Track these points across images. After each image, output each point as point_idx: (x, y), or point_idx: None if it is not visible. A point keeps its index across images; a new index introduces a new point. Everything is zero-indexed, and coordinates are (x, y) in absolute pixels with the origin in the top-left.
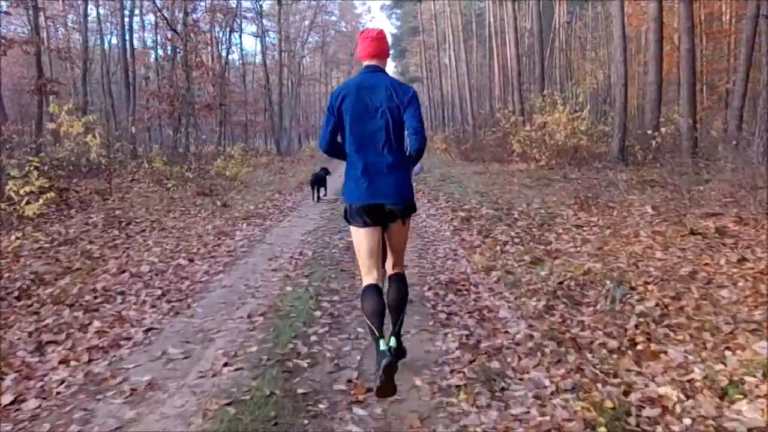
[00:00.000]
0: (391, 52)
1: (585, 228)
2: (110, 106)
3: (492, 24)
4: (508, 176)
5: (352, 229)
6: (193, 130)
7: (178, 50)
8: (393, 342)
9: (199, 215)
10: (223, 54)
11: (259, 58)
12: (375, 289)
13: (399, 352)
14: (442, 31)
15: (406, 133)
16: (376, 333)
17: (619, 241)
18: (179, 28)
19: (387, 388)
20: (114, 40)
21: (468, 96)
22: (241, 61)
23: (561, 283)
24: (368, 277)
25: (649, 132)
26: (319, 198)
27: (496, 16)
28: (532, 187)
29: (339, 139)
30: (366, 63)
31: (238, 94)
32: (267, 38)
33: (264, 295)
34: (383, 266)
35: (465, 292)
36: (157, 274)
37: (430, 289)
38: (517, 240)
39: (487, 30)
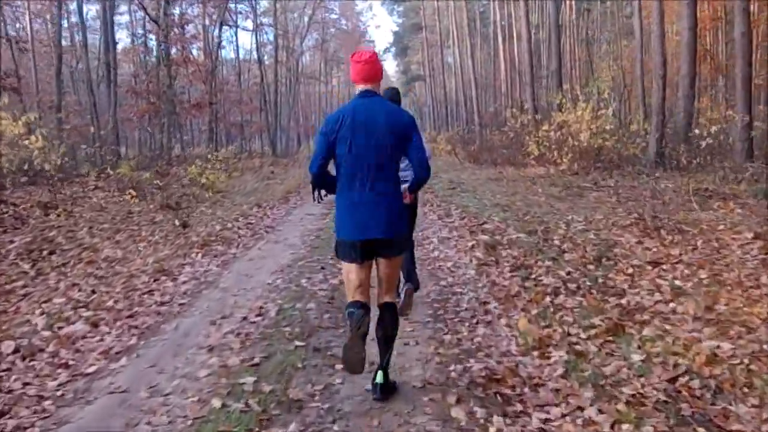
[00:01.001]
0: (393, 49)
1: (665, 266)
2: (92, 105)
3: (498, 21)
4: (528, 183)
5: (344, 264)
6: (175, 130)
7: (160, 44)
8: (380, 378)
9: (151, 238)
10: (215, 49)
11: (255, 55)
12: (360, 304)
13: (387, 387)
14: (445, 28)
15: (404, 163)
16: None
17: (733, 294)
18: (160, 19)
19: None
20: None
21: (474, 94)
22: (236, 59)
23: (673, 380)
24: (354, 296)
25: (697, 132)
26: (320, 198)
27: (503, 13)
28: (562, 198)
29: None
30: (360, 87)
31: (235, 93)
32: (263, 34)
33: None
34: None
35: (517, 403)
36: (25, 358)
37: (458, 401)
38: (571, 285)
39: (492, 28)
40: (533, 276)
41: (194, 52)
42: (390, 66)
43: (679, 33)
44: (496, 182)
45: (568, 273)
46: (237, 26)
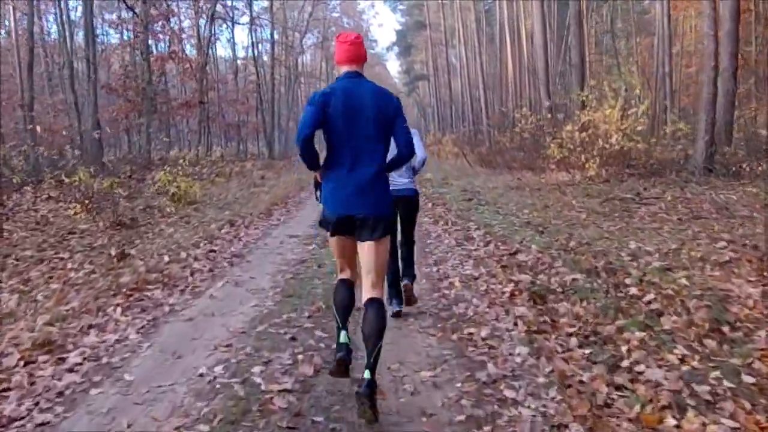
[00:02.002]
0: (396, 48)
1: None
2: (74, 104)
3: (506, 19)
4: (556, 192)
5: (328, 235)
6: (159, 131)
7: (137, 35)
8: (368, 374)
9: (72, 275)
10: (205, 44)
11: (252, 52)
12: (347, 283)
13: (373, 388)
14: (449, 26)
15: (393, 143)
16: (339, 324)
17: None
18: (138, 8)
19: (368, 416)
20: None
21: (482, 94)
22: (232, 56)
23: None
24: (342, 274)
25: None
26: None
27: (511, 11)
28: (607, 214)
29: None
30: (345, 68)
31: (231, 92)
32: (260, 29)
33: None
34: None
35: None
36: None
37: None
38: (700, 387)
39: (497, 27)
40: (623, 360)
41: (188, 48)
42: (393, 65)
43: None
44: (517, 191)
45: (682, 359)
46: (232, 21)
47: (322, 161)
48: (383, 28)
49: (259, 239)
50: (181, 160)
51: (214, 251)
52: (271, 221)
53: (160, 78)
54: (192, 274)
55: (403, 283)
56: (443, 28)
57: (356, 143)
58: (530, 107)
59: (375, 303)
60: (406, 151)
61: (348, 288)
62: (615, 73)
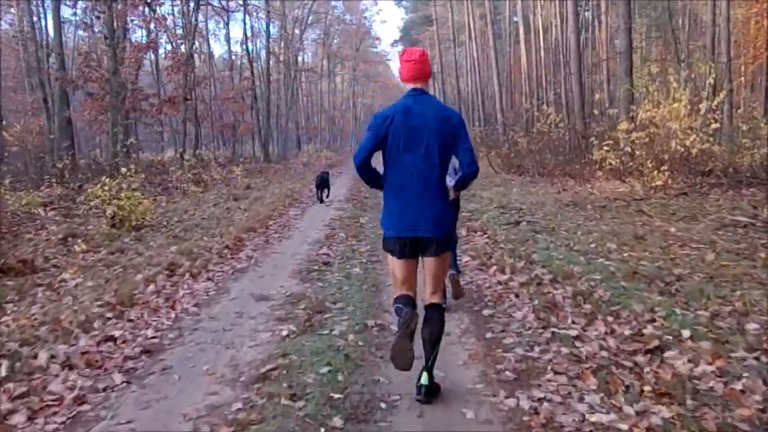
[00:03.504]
0: (400, 45)
1: None
2: (43, 102)
3: (519, 13)
4: (628, 210)
5: (389, 258)
6: (131, 130)
7: (97, 16)
8: (425, 380)
9: None
10: (190, 34)
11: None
12: (407, 299)
13: (431, 390)
14: (457, 22)
15: (453, 161)
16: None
17: None
18: None
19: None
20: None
21: (497, 90)
22: (227, 50)
23: None
24: (400, 290)
25: None
26: (321, 200)
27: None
28: (746, 252)
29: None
30: (410, 86)
31: (227, 90)
32: (254, 21)
33: None
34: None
35: None
36: None
37: None
38: None
39: (507, 21)
40: None
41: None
42: (396, 64)
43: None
44: (573, 208)
45: None
46: (225, 9)
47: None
48: (387, 24)
49: (204, 305)
50: (127, 169)
51: (114, 340)
52: (235, 262)
53: (137, 71)
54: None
55: (450, 272)
56: (451, 22)
57: (415, 163)
58: (565, 105)
59: (437, 309)
60: (470, 170)
61: (411, 304)
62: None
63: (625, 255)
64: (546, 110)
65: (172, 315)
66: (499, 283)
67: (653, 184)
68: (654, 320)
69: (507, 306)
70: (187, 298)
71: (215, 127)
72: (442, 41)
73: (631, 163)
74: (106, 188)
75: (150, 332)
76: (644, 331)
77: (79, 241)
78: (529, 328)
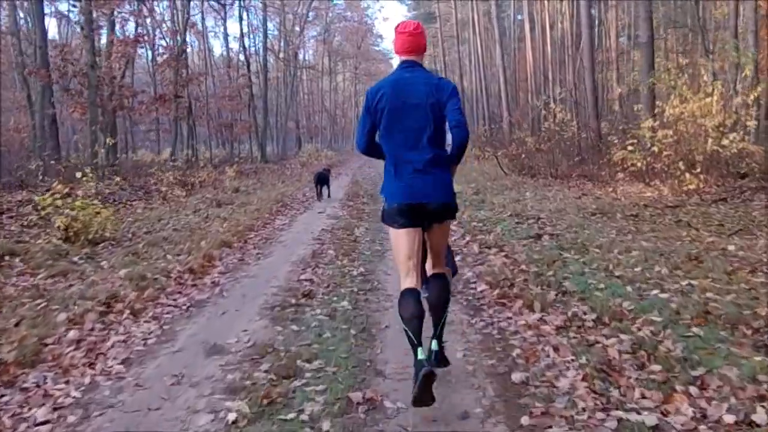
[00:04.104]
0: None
1: None
2: (27, 98)
3: (525, 8)
4: (665, 219)
5: (391, 230)
6: (108, 127)
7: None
8: (435, 345)
9: None
10: (182, 28)
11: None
12: (413, 293)
13: (441, 358)
14: (460, 19)
15: (447, 127)
16: (414, 340)
17: None
18: None
19: (424, 398)
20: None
21: (503, 89)
22: (225, 46)
23: None
24: (406, 281)
25: None
26: (321, 197)
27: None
28: None
29: (377, 138)
30: (402, 58)
31: (225, 88)
32: (251, 16)
33: None
34: (423, 267)
35: None
36: None
37: None
38: None
39: (511, 19)
40: None
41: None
42: (397, 61)
43: None
44: (600, 217)
45: None
46: (218, 1)
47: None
48: (389, 22)
49: (136, 361)
50: (90, 169)
51: None
52: (196, 291)
53: (125, 67)
54: None
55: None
56: (455, 19)
57: (407, 131)
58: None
59: (440, 276)
60: (457, 134)
61: (415, 297)
62: (699, 51)
63: (684, 284)
64: (554, 108)
65: (86, 380)
66: (529, 326)
67: (684, 188)
68: (764, 397)
69: (544, 366)
70: (118, 349)
71: (212, 126)
72: (445, 39)
73: (657, 165)
74: (57, 196)
75: (42, 412)
76: (754, 417)
77: (17, 260)
78: (583, 408)
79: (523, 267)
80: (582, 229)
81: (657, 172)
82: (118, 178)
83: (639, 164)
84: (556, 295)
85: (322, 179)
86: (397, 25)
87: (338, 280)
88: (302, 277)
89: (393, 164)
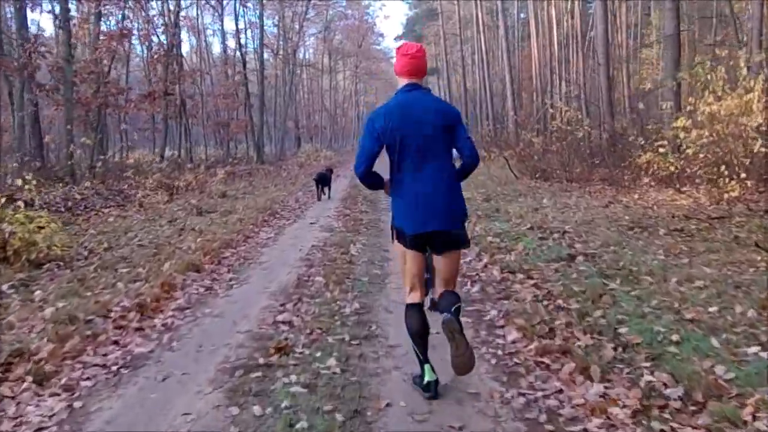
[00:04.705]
0: (404, 40)
1: None
2: (9, 96)
3: (530, 7)
4: (711, 233)
5: (399, 248)
6: (92, 128)
7: None
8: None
9: None
10: (175, 22)
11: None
12: (417, 308)
13: (457, 314)
14: (464, 16)
15: (456, 147)
16: (421, 356)
17: None
18: None
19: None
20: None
21: (509, 87)
22: (222, 43)
23: None
24: (412, 295)
25: None
26: (321, 197)
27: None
28: None
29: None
30: (404, 81)
31: (222, 86)
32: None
33: None
34: (431, 289)
35: None
36: None
37: None
38: None
39: (515, 16)
40: None
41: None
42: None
43: None
44: (640, 232)
45: None
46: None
47: (387, 177)
48: (390, 20)
49: None
50: (28, 175)
51: None
52: (138, 341)
53: (111, 62)
54: None
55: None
56: (458, 16)
57: (419, 158)
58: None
59: (450, 291)
60: (471, 160)
61: (421, 312)
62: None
63: None
64: (561, 107)
65: None
66: (591, 408)
67: (726, 196)
68: None
69: None
70: None
71: (207, 125)
72: (447, 37)
73: (691, 168)
74: None
75: None
76: None
77: None
78: None
79: (560, 301)
80: (621, 248)
81: (688, 177)
82: (87, 183)
83: (672, 168)
84: (615, 349)
85: (324, 179)
86: (400, 47)
87: (325, 323)
88: (279, 317)
89: (404, 189)
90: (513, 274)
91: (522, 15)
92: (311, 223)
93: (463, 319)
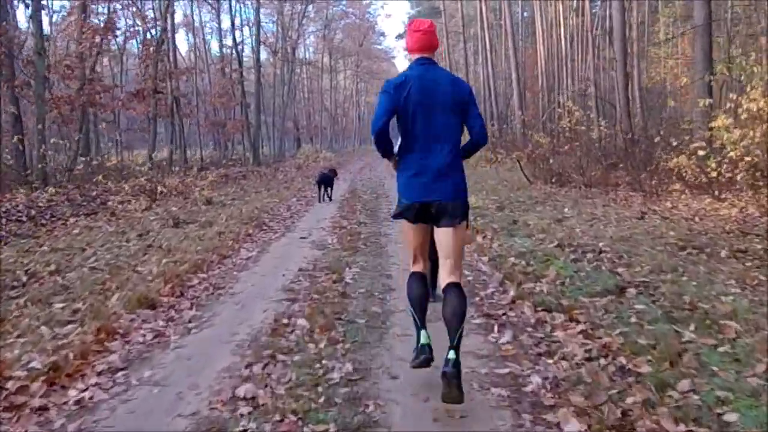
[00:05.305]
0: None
1: None
2: None
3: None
4: None
5: (404, 223)
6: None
7: None
8: (452, 354)
9: None
10: (164, 16)
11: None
12: (420, 276)
13: (458, 365)
14: (467, 14)
15: (467, 129)
16: (419, 322)
17: None
18: None
19: (454, 395)
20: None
21: (516, 86)
22: (219, 41)
23: None
24: (414, 266)
25: None
26: (322, 199)
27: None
28: None
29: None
30: (417, 56)
31: (219, 86)
32: (244, 8)
33: None
34: (436, 273)
35: None
36: None
37: None
38: None
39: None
40: None
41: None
42: (401, 60)
43: None
44: (695, 254)
45: None
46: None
47: (396, 148)
48: (391, 19)
49: None
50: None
51: None
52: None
53: (96, 58)
54: None
55: None
56: (461, 14)
57: (432, 130)
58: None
59: (455, 287)
60: (480, 138)
61: (421, 281)
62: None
63: None
64: (569, 105)
65: None
66: None
67: None
68: None
69: None
70: None
71: (203, 125)
72: (450, 35)
73: (732, 174)
74: None
75: None
76: None
77: None
78: None
79: (623, 360)
80: (679, 276)
81: (726, 183)
82: (58, 189)
83: (714, 173)
84: None
85: (326, 180)
86: (411, 23)
87: (303, 401)
88: (241, 390)
89: (412, 162)
90: (550, 313)
91: (525, 13)
92: (301, 238)
93: (495, 391)
